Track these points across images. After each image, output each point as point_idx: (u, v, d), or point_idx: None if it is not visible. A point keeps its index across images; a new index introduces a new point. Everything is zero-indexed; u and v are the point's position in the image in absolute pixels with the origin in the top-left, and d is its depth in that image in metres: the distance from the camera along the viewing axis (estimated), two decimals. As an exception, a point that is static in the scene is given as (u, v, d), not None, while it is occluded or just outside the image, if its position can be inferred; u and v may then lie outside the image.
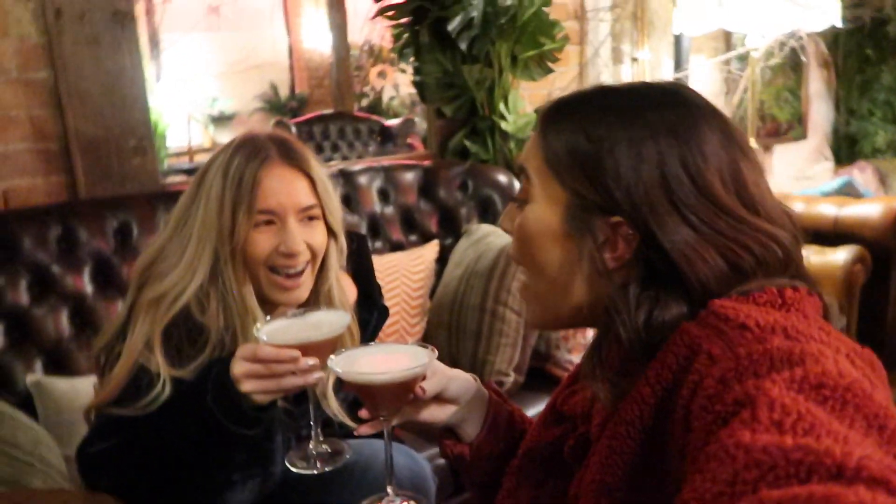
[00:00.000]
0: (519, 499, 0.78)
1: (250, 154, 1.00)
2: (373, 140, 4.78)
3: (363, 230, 2.13)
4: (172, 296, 1.00)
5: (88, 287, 1.66)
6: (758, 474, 0.39)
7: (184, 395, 0.94)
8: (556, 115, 0.67)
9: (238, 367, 0.86)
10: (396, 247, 2.15)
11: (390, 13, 2.44)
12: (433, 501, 1.17)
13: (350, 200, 2.12)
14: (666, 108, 0.64)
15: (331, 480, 1.12)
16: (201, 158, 5.25)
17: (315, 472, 0.89)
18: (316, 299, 1.08)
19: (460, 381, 0.83)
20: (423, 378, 0.78)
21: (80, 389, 1.51)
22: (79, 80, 1.77)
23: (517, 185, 2.28)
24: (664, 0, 2.88)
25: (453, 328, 1.85)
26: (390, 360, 0.80)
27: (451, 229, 2.21)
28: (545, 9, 2.33)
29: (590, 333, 1.87)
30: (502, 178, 2.26)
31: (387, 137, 4.79)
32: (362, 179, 2.17)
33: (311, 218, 1.04)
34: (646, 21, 2.85)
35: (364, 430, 0.80)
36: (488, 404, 0.85)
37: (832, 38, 3.26)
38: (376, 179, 2.20)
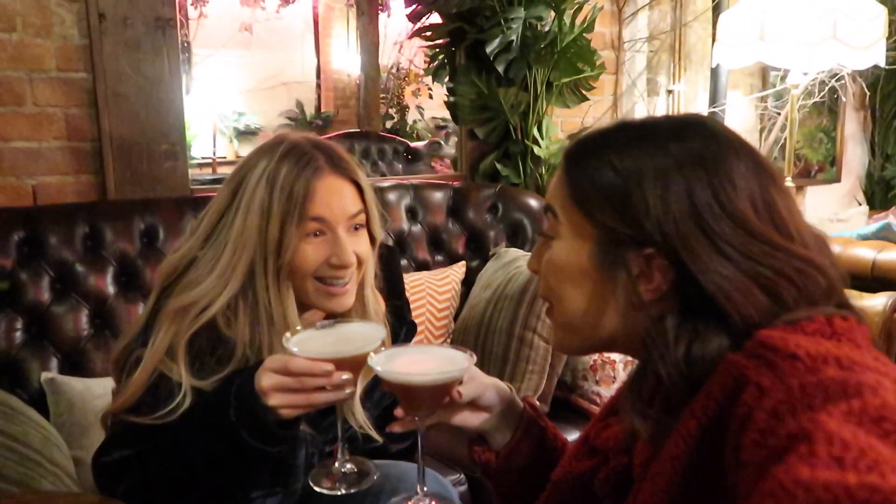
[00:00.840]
0: None
1: (299, 163, 0.96)
2: (397, 161, 4.78)
3: (390, 248, 2.10)
4: (201, 305, 0.95)
5: (111, 288, 1.63)
6: None
7: (204, 408, 0.90)
8: (580, 151, 0.68)
9: (266, 380, 0.81)
10: (422, 266, 2.11)
11: (427, 34, 2.44)
12: None
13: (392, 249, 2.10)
14: (690, 138, 0.63)
15: (356, 500, 1.07)
16: (225, 171, 5.29)
17: (340, 493, 0.84)
18: (358, 307, 1.05)
19: (496, 389, 0.83)
20: (461, 382, 0.79)
21: (95, 390, 1.48)
22: (117, 83, 1.78)
23: (548, 210, 2.25)
24: (703, 34, 2.86)
25: (479, 352, 1.80)
26: (429, 361, 0.80)
27: (478, 252, 2.17)
28: (585, 35, 2.32)
29: (619, 367, 1.81)
30: (533, 202, 2.23)
31: (412, 159, 4.79)
32: (391, 196, 2.14)
33: (357, 227, 1.01)
34: (683, 54, 2.82)
35: (397, 427, 0.79)
36: (521, 417, 0.85)
37: (872, 80, 3.22)
38: (405, 197, 2.17)
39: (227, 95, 6.08)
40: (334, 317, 1.03)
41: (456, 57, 2.41)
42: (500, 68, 2.28)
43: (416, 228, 2.16)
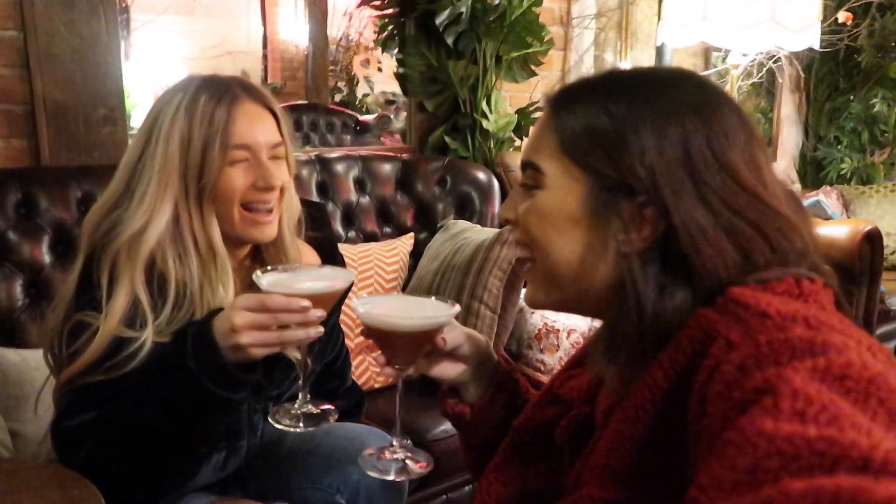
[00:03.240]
0: (505, 474, 0.78)
1: (217, 93, 0.97)
2: (346, 134, 4.72)
3: (338, 218, 2.09)
4: (144, 237, 0.94)
5: (46, 257, 1.58)
6: (780, 463, 0.38)
7: (161, 362, 0.89)
8: (569, 98, 0.66)
9: (239, 317, 0.81)
10: (370, 238, 2.11)
11: (377, 3, 2.41)
12: (406, 487, 1.14)
13: (326, 188, 2.08)
14: (687, 88, 0.63)
15: (299, 459, 1.08)
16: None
17: (300, 429, 0.87)
18: (280, 238, 1.05)
19: (474, 340, 0.83)
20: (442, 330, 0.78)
21: (31, 362, 1.43)
22: (50, 43, 1.69)
23: (496, 183, 2.27)
24: (649, 12, 2.91)
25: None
26: (412, 308, 0.80)
27: (426, 224, 2.18)
28: (534, 9, 2.33)
29: (563, 335, 1.86)
30: (482, 175, 2.24)
31: (361, 132, 4.74)
32: (339, 167, 2.13)
33: (277, 157, 1.02)
34: (630, 31, 2.87)
35: (389, 372, 0.78)
36: (496, 369, 0.84)
37: (807, 63, 3.35)
38: (353, 168, 2.16)
39: (168, 63, 5.86)
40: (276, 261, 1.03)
41: (405, 28, 2.39)
42: (450, 40, 2.28)
43: (365, 200, 2.15)
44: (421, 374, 0.82)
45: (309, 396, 0.88)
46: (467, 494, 1.70)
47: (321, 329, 0.83)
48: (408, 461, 0.80)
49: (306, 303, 0.80)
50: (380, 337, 0.76)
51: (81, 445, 0.91)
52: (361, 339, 1.80)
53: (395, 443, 0.80)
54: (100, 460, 0.90)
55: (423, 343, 0.76)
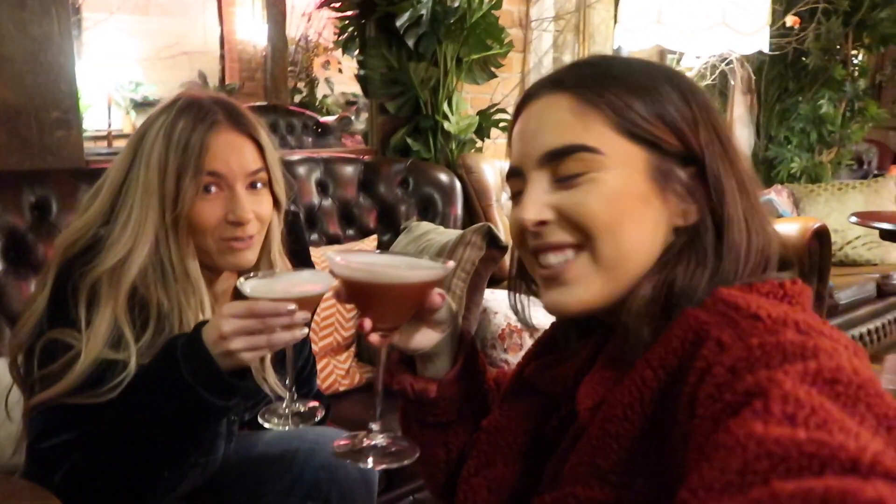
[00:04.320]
0: (490, 478, 0.75)
1: (196, 117, 0.95)
2: (307, 135, 4.68)
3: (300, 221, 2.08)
4: (126, 265, 0.93)
5: (-1, 264, 1.53)
6: (769, 465, 0.38)
7: (148, 378, 0.88)
8: (597, 79, 0.64)
9: (228, 325, 0.82)
10: (333, 240, 2.11)
11: (336, 4, 2.40)
12: (376, 480, 1.14)
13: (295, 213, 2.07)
14: (682, 77, 0.66)
15: (273, 466, 1.08)
16: (120, 144, 5.01)
17: (289, 428, 0.87)
18: (268, 264, 1.05)
19: (450, 305, 0.75)
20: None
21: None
22: (0, 44, 1.65)
23: (458, 184, 2.28)
24: (606, 15, 2.97)
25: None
26: (402, 264, 0.72)
27: (389, 226, 2.19)
28: (494, 12, 2.35)
29: (525, 336, 1.88)
30: (444, 177, 2.26)
31: (321, 134, 4.71)
32: (301, 170, 2.12)
33: (256, 185, 1.00)
34: (587, 34, 2.92)
35: (374, 339, 0.69)
36: (462, 340, 0.79)
37: (758, 65, 3.45)
38: (315, 171, 2.15)
39: (122, 64, 5.73)
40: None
41: (366, 29, 2.38)
42: (410, 42, 2.29)
43: (327, 202, 2.14)
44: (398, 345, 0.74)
45: (296, 395, 0.89)
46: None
47: (306, 330, 0.84)
48: (390, 447, 0.71)
49: (293, 306, 0.81)
50: (368, 295, 0.67)
51: (58, 466, 0.90)
52: (326, 342, 1.80)
53: (374, 427, 0.71)
54: (79, 480, 0.89)
55: (416, 301, 0.68)
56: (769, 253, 0.62)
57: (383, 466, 0.70)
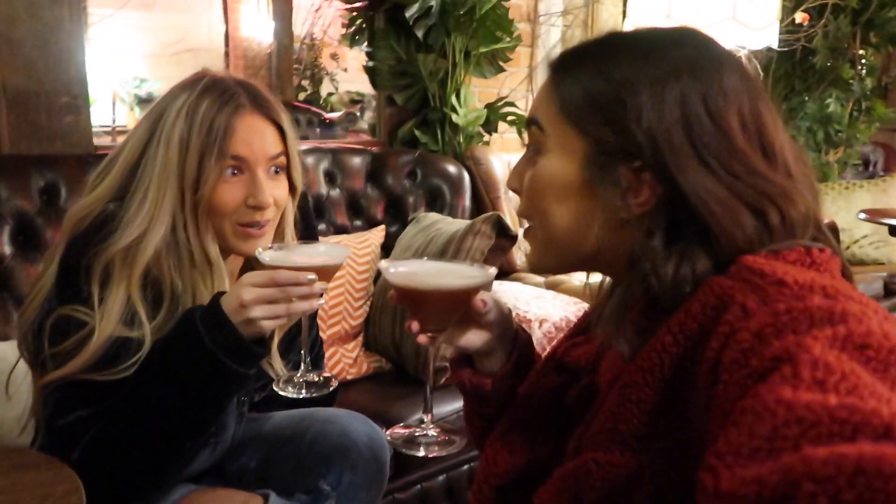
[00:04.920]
0: (512, 442, 0.77)
1: (221, 99, 0.94)
2: (312, 132, 4.69)
3: (308, 211, 2.07)
4: (142, 245, 0.92)
5: (7, 248, 1.53)
6: (800, 431, 0.37)
7: (167, 349, 0.88)
8: (570, 61, 0.66)
9: (248, 293, 0.83)
10: (341, 230, 2.10)
11: (346, -4, 2.40)
12: (388, 462, 1.13)
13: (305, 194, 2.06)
14: (686, 47, 0.62)
15: (283, 446, 1.07)
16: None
17: (303, 396, 0.89)
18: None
19: (500, 306, 0.79)
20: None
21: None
22: (10, 28, 1.64)
23: (467, 176, 2.28)
24: (614, 11, 2.96)
25: (398, 313, 1.81)
26: (447, 271, 0.78)
27: (397, 217, 2.18)
28: (504, 3, 2.35)
29: (535, 325, 1.88)
30: (452, 168, 2.25)
31: (327, 130, 4.71)
32: (309, 160, 2.11)
33: (277, 170, 0.99)
34: (595, 29, 2.91)
35: (422, 339, 0.74)
36: (515, 338, 0.81)
37: (766, 63, 3.44)
38: (323, 161, 2.14)
39: (127, 60, 5.73)
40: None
41: (375, 21, 2.38)
42: (420, 34, 2.28)
43: (335, 193, 2.14)
44: (446, 344, 0.79)
45: (311, 366, 0.91)
46: (441, 484, 1.70)
47: (322, 301, 0.86)
48: (439, 437, 0.78)
49: (312, 276, 0.82)
50: (415, 300, 0.73)
51: (76, 443, 0.89)
52: (334, 331, 1.79)
53: (425, 419, 0.79)
54: (98, 455, 0.89)
55: (460, 306, 0.73)
56: (791, 215, 0.59)
57: (434, 454, 0.77)
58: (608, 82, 0.61)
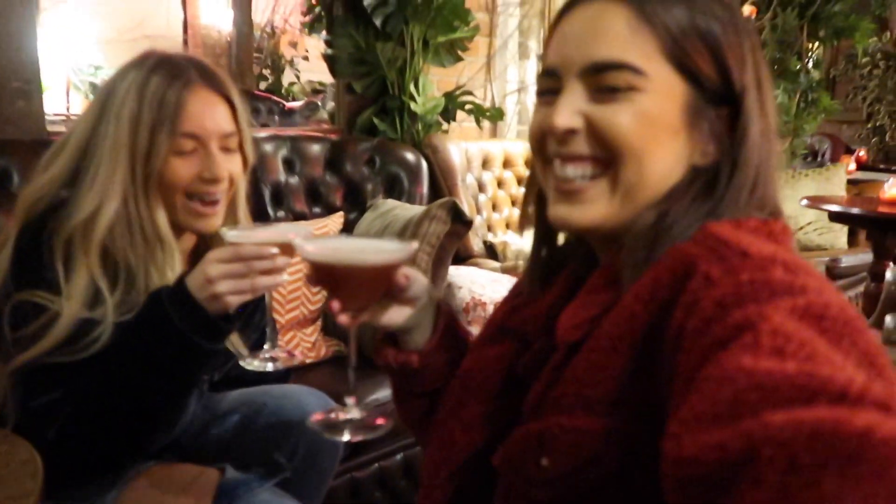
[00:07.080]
0: (463, 419, 0.73)
1: (170, 75, 0.95)
2: (272, 121, 4.66)
3: (266, 199, 2.08)
4: (97, 220, 0.93)
5: (-42, 234, 1.51)
6: (759, 397, 0.39)
7: (137, 329, 0.90)
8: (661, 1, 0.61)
9: (214, 269, 0.85)
10: (299, 217, 2.11)
11: (304, -17, 2.40)
12: (342, 447, 1.17)
13: (254, 167, 2.07)
14: (739, 14, 0.64)
15: (240, 421, 1.10)
16: (82, 128, 4.89)
17: (269, 368, 0.92)
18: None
19: (420, 280, 0.76)
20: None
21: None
22: (-44, 10, 1.62)
23: (425, 164, 2.31)
24: (570, 2, 3.01)
25: (356, 297, 1.84)
26: (366, 247, 0.76)
27: (356, 203, 2.20)
28: (460, -7, 2.38)
29: (490, 308, 1.92)
30: (410, 156, 2.28)
31: (287, 119, 4.69)
32: (268, 147, 2.12)
33: (229, 148, 1.01)
34: (552, 20, 2.96)
35: (344, 319, 0.71)
36: (439, 310, 0.80)
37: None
38: (282, 149, 2.15)
39: (82, 47, 5.60)
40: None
41: (333, 9, 2.39)
42: (378, 22, 2.30)
43: (294, 180, 2.15)
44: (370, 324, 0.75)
45: (278, 344, 0.94)
46: (398, 463, 1.74)
47: (286, 276, 0.88)
48: (364, 420, 0.73)
49: (275, 250, 0.85)
50: (335, 278, 0.69)
51: (50, 424, 0.90)
52: (293, 315, 1.81)
53: (348, 401, 0.74)
54: (73, 435, 0.90)
55: (382, 282, 0.70)
56: (767, 205, 0.62)
57: (359, 439, 0.73)
58: (717, 21, 0.61)
